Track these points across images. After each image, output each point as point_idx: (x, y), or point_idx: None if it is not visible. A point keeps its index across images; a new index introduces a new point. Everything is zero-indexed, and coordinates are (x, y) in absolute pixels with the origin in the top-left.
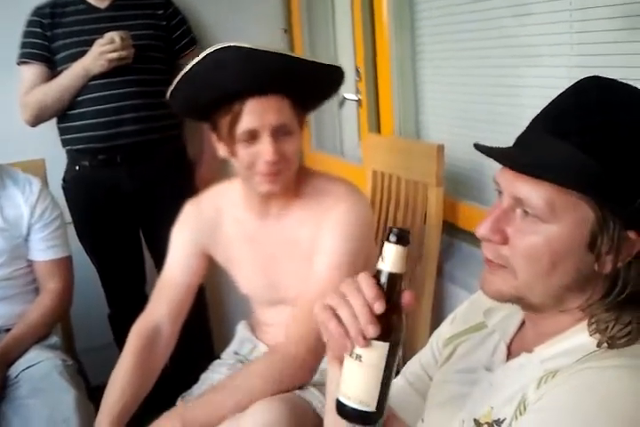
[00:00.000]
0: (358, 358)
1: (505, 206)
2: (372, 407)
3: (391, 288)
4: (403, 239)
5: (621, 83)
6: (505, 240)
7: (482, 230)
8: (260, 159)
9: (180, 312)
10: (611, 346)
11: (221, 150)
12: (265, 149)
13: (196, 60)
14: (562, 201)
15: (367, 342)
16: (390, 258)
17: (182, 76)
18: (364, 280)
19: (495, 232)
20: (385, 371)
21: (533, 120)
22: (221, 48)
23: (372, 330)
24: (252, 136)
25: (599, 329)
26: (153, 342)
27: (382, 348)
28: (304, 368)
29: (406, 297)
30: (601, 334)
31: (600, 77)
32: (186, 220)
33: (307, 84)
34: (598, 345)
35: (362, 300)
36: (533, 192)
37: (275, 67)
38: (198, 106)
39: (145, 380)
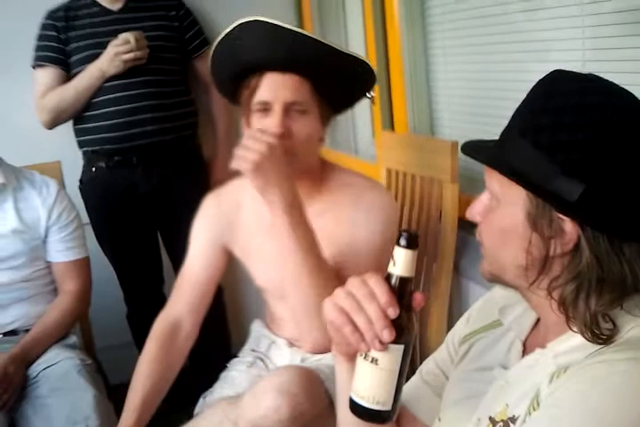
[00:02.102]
0: (374, 361)
1: (485, 192)
2: (387, 406)
3: (402, 291)
4: (412, 243)
5: (576, 74)
6: (481, 220)
7: (467, 213)
8: (267, 131)
9: (200, 307)
10: (603, 339)
11: (244, 124)
12: (273, 121)
13: (226, 31)
14: (506, 183)
15: (384, 346)
16: (401, 262)
17: (213, 50)
18: (378, 286)
19: (476, 213)
20: (400, 371)
21: None
22: (247, 22)
23: (387, 335)
24: (265, 108)
25: (565, 313)
26: (173, 339)
27: (397, 350)
28: None
29: (417, 299)
30: (571, 322)
31: (558, 71)
32: (206, 214)
33: (327, 69)
34: (585, 338)
35: (376, 306)
36: (492, 176)
37: (294, 44)
38: (225, 78)
39: (166, 375)
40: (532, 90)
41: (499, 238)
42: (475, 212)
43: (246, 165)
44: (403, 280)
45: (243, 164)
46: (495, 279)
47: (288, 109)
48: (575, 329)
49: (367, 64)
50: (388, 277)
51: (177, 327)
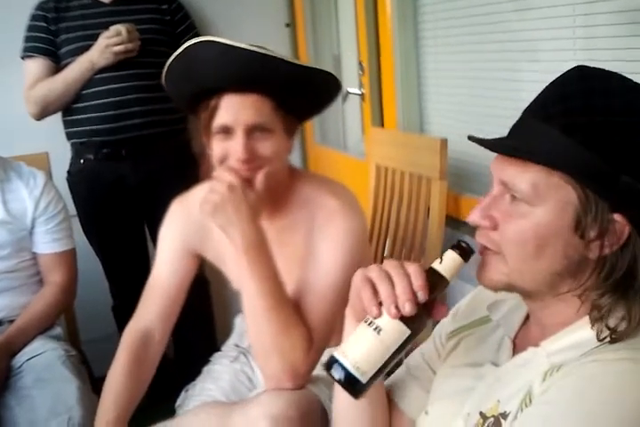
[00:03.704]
0: (378, 329)
1: (495, 193)
2: (363, 378)
3: (434, 289)
4: (467, 255)
5: (603, 71)
6: (495, 226)
7: (472, 217)
8: (231, 156)
9: (170, 314)
10: (613, 339)
11: (205, 144)
12: (236, 146)
13: (176, 54)
14: (546, 184)
15: (397, 313)
16: (449, 264)
17: (166, 71)
18: (416, 271)
19: (485, 218)
20: (393, 353)
21: (524, 111)
22: (199, 42)
23: (409, 308)
24: (227, 131)
25: (596, 318)
26: (144, 350)
27: (403, 332)
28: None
29: (442, 311)
30: (598, 323)
31: (584, 67)
32: (173, 220)
33: (289, 85)
34: (598, 338)
35: (408, 283)
36: (519, 175)
37: (250, 63)
38: (182, 100)
39: (138, 385)
40: (560, 86)
41: (533, 246)
42: (485, 216)
43: (207, 206)
44: (441, 279)
45: (204, 205)
46: (509, 288)
47: (251, 131)
48: (595, 329)
49: (330, 74)
50: (428, 271)
51: (147, 338)
